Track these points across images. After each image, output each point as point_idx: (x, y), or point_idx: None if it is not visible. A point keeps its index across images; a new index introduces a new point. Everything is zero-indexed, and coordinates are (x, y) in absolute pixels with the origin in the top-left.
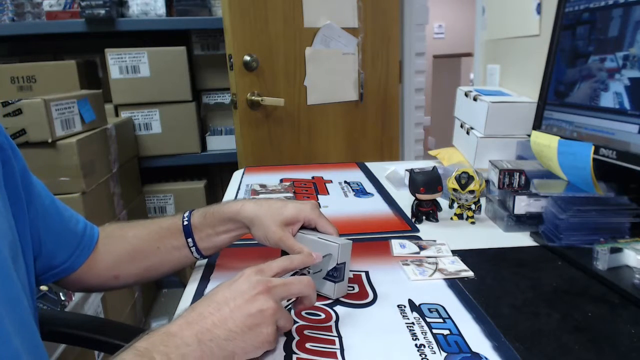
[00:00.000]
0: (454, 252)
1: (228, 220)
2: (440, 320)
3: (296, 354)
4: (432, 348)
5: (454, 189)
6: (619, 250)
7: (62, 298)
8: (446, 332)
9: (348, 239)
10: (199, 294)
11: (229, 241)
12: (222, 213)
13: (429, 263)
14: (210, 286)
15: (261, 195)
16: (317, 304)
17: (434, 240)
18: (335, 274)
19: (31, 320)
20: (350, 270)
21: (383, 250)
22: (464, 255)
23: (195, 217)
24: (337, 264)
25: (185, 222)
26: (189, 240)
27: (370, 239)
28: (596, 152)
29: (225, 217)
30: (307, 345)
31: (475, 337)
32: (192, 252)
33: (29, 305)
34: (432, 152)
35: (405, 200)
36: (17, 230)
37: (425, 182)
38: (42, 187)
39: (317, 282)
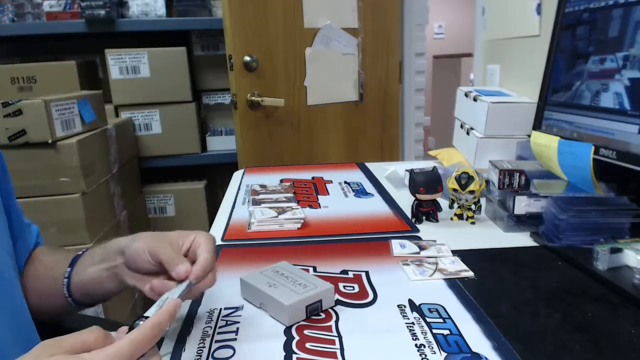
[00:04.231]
0: (454, 252)
1: (117, 251)
2: (440, 320)
3: (296, 354)
4: (432, 348)
5: (454, 189)
6: (619, 250)
7: None
8: (446, 332)
9: (347, 239)
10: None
11: (98, 275)
12: (113, 243)
13: (429, 263)
14: None
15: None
16: None
17: (434, 240)
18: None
19: (24, 308)
20: (351, 270)
21: (383, 250)
22: (464, 255)
23: (92, 248)
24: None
25: (80, 252)
26: (68, 269)
27: (370, 239)
28: (596, 152)
29: (115, 248)
30: (307, 345)
31: (475, 337)
32: (63, 286)
33: (23, 297)
34: (432, 152)
35: (405, 200)
36: None
37: (425, 182)
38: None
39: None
